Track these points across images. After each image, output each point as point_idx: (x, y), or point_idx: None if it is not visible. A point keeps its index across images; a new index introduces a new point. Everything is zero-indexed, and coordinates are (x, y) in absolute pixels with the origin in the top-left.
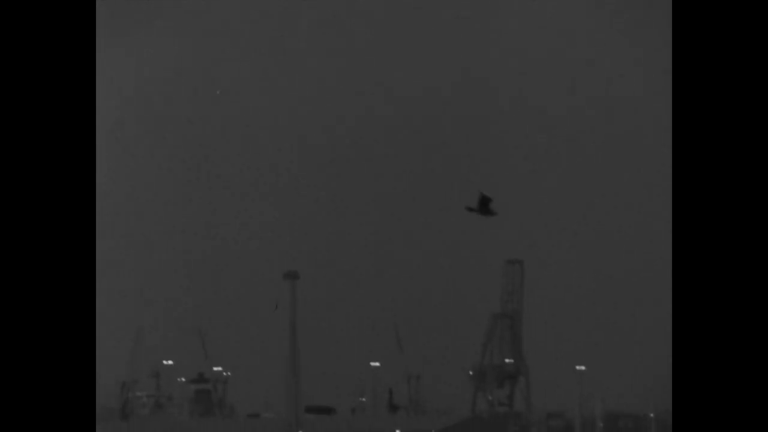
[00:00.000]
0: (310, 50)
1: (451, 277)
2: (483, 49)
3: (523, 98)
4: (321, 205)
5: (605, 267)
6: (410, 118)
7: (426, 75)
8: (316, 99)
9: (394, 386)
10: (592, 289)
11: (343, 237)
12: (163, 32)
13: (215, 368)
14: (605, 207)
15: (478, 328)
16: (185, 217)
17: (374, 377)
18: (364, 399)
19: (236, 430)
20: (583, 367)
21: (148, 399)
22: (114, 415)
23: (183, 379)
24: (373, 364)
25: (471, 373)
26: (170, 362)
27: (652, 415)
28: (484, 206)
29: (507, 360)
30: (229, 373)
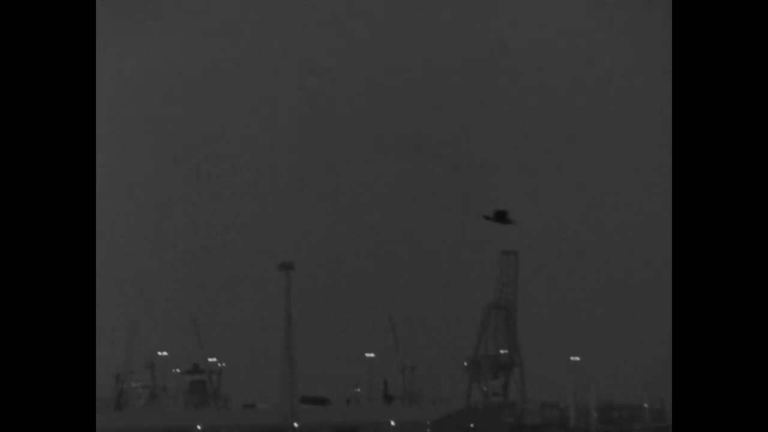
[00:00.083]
0: (310, 47)
1: (446, 268)
2: (482, 49)
3: (523, 98)
4: (316, 197)
5: (600, 258)
6: (408, 113)
7: (425, 74)
8: (311, 92)
9: (388, 377)
10: (586, 279)
11: (339, 228)
12: (163, 32)
13: (210, 359)
14: (600, 200)
15: (473, 319)
16: (180, 209)
17: (369, 368)
18: (359, 390)
19: (231, 420)
20: (577, 358)
21: (143, 390)
22: (109, 406)
23: (178, 370)
24: (368, 355)
25: (466, 363)
26: (165, 353)
27: (646, 405)
28: (501, 216)
29: (502, 351)
30: (224, 364)
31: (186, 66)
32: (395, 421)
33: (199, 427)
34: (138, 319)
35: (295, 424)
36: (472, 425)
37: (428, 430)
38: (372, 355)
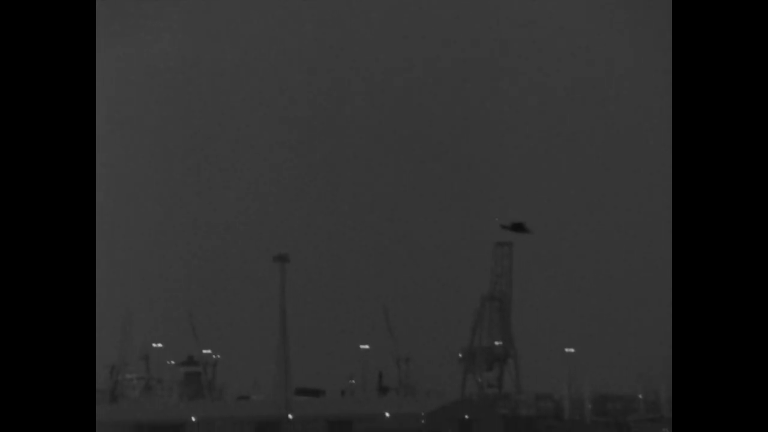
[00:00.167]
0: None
1: (440, 260)
2: (482, 49)
3: (523, 98)
4: (311, 189)
5: (594, 250)
6: (405, 109)
7: (425, 74)
8: (311, 92)
9: (383, 369)
10: (580, 271)
11: (333, 220)
12: (163, 32)
13: (205, 351)
14: (596, 194)
15: (468, 310)
16: (174, 200)
17: (364, 360)
18: (353, 381)
19: (226, 412)
20: (572, 350)
21: (138, 381)
22: (104, 398)
23: (173, 362)
24: (362, 346)
25: (460, 355)
26: (160, 345)
27: (640, 396)
28: (519, 226)
29: (496, 342)
30: (218, 356)
31: (186, 66)
32: (390, 413)
33: (193, 419)
34: (132, 311)
35: (290, 416)
36: (466, 417)
37: (423, 421)
38: (367, 347)
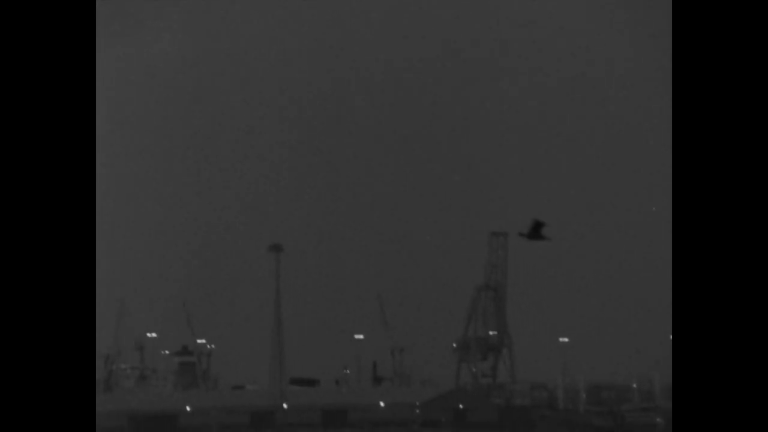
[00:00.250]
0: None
1: (435, 250)
2: (482, 49)
3: (523, 98)
4: (306, 178)
5: (594, 249)
6: (405, 109)
7: (424, 73)
8: (312, 92)
9: (378, 359)
10: (575, 261)
11: (328, 210)
12: (163, 32)
13: (199, 341)
14: (596, 193)
15: (462, 300)
16: (169, 190)
17: (359, 350)
18: (348, 371)
19: (221, 402)
20: (566, 339)
21: (132, 371)
22: (98, 387)
23: (167, 352)
24: (357, 336)
25: (455, 345)
26: (154, 335)
27: (634, 385)
28: (536, 231)
29: (491, 332)
30: (213, 346)
31: (186, 66)
32: (384, 403)
33: (188, 409)
34: (127, 301)
35: (285, 406)
36: (461, 406)
37: (417, 411)
38: (361, 336)
